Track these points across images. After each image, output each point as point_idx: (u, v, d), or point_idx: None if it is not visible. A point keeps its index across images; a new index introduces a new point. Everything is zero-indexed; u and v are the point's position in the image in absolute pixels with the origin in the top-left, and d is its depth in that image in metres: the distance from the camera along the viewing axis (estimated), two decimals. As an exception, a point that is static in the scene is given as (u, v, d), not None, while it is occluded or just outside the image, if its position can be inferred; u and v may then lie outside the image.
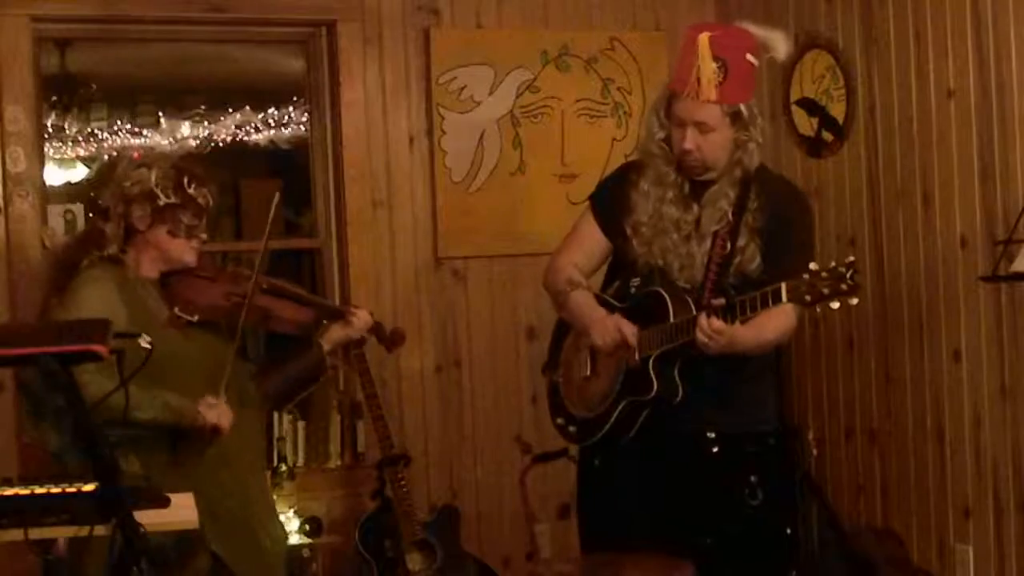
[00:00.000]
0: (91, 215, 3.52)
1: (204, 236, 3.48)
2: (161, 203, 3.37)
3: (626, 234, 3.52)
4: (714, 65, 3.34)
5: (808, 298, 3.08)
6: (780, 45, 3.48)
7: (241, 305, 3.43)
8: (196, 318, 3.41)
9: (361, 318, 3.69)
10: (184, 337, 3.39)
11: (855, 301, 3.07)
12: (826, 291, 3.06)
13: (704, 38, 3.36)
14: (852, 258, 3.08)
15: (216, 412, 3.31)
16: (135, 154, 7.59)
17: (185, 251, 3.44)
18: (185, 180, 3.39)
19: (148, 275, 3.44)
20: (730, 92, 3.37)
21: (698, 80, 3.35)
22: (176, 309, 3.40)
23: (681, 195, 3.46)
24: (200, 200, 3.42)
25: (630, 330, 3.40)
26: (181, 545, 3.28)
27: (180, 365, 3.32)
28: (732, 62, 3.36)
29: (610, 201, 3.61)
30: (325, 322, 3.67)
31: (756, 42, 3.44)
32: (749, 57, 3.40)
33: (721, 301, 3.21)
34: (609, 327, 3.44)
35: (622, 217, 3.53)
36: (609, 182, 3.72)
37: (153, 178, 3.38)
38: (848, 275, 3.04)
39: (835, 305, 3.07)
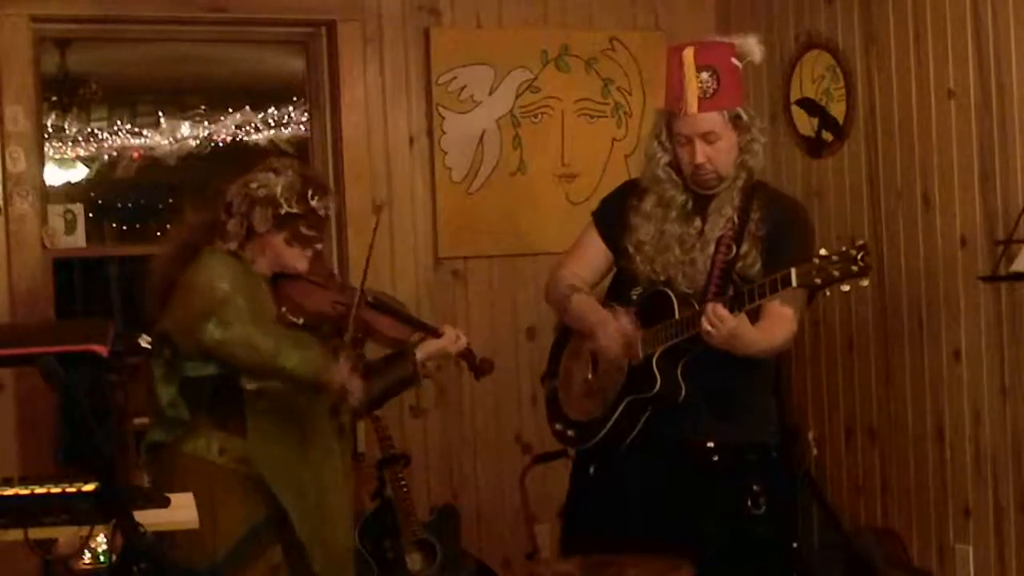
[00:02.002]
0: (201, 205, 3.64)
1: (319, 246, 3.56)
2: (283, 211, 3.44)
3: (627, 252, 3.54)
4: (704, 75, 3.39)
5: (819, 281, 3.07)
6: (754, 49, 3.52)
7: (345, 316, 3.50)
8: (301, 321, 3.48)
9: (452, 335, 3.70)
10: None
11: (866, 282, 3.07)
12: (837, 273, 3.05)
13: (688, 52, 3.42)
14: (863, 241, 3.09)
15: (349, 373, 3.37)
16: (135, 154, 7.61)
17: (298, 259, 3.51)
18: (310, 192, 3.46)
19: (262, 272, 3.52)
20: (727, 96, 3.40)
21: (696, 93, 3.38)
22: (284, 309, 3.48)
23: (684, 213, 3.48)
24: (321, 212, 3.48)
25: (632, 331, 3.40)
26: (254, 536, 3.35)
27: None
28: (721, 67, 3.40)
29: (611, 219, 3.64)
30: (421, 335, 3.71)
31: (735, 47, 3.48)
32: (734, 61, 3.45)
33: (729, 294, 3.23)
34: (612, 330, 3.45)
35: (623, 235, 3.56)
36: (610, 200, 3.73)
37: (280, 187, 3.44)
38: (859, 256, 3.03)
39: (846, 288, 3.07)
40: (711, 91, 3.38)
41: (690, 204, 3.48)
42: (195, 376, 3.43)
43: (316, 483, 3.49)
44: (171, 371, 3.43)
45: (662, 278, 3.45)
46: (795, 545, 3.58)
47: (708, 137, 3.40)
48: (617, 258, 3.61)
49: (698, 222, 3.46)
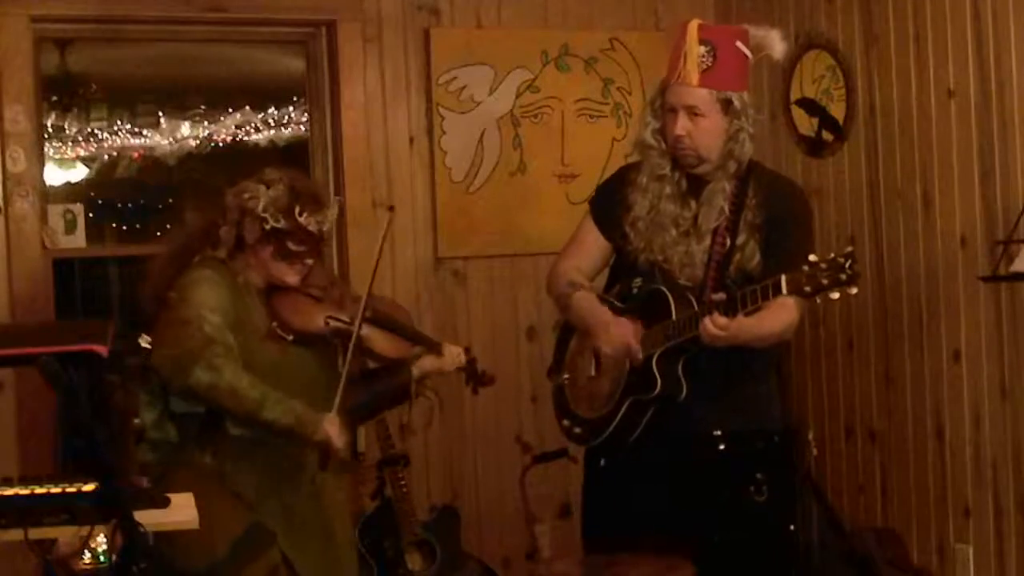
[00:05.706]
0: (203, 207, 3.60)
1: (310, 261, 3.50)
2: (268, 226, 3.40)
3: (626, 233, 3.53)
4: (702, 49, 3.38)
5: (808, 289, 3.08)
6: (776, 44, 3.50)
7: (339, 332, 3.46)
8: (291, 338, 3.45)
9: (452, 354, 3.70)
10: (281, 351, 3.45)
11: (855, 291, 3.07)
12: (825, 281, 3.06)
13: (694, 24, 3.41)
14: (850, 248, 3.10)
15: (336, 429, 3.35)
16: (135, 154, 7.61)
17: (287, 273, 3.48)
18: (297, 208, 3.40)
19: (255, 283, 3.48)
20: (719, 77, 3.39)
21: (689, 65, 3.38)
22: (274, 325, 3.45)
23: (679, 191, 3.47)
24: (311, 228, 3.42)
25: (633, 334, 3.40)
26: (252, 535, 3.33)
27: (276, 378, 3.37)
28: (721, 47, 3.38)
29: (608, 203, 3.62)
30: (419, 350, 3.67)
31: (748, 35, 3.46)
32: (739, 45, 3.42)
33: (722, 296, 3.22)
34: (613, 334, 3.44)
35: (621, 216, 3.54)
36: (607, 184, 3.74)
37: (266, 201, 3.40)
38: (847, 265, 3.04)
39: (835, 295, 3.07)
40: (704, 67, 3.37)
41: (684, 183, 3.47)
42: (182, 413, 3.40)
43: (300, 513, 3.46)
44: (155, 399, 3.40)
45: (660, 258, 3.45)
46: (792, 527, 3.58)
47: (692, 111, 3.39)
48: (615, 242, 3.60)
49: (693, 206, 3.46)
